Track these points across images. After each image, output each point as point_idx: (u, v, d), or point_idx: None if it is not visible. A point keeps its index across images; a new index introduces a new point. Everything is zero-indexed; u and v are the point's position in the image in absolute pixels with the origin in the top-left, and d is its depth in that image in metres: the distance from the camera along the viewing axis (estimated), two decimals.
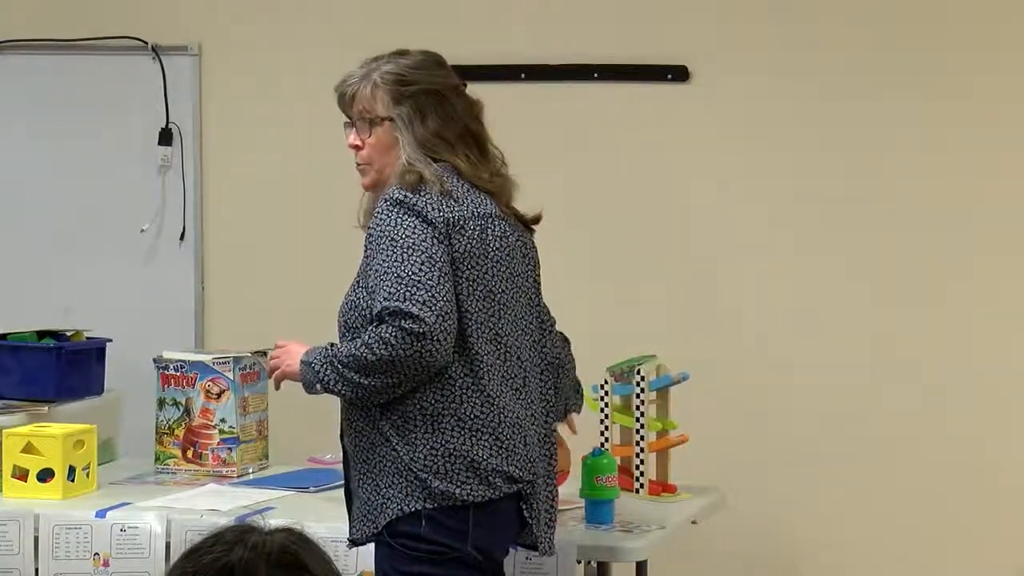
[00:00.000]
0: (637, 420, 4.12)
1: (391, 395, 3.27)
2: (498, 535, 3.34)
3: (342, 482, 4.25)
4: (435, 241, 3.25)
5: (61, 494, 4.11)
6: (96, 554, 3.92)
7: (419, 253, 3.23)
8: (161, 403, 4.49)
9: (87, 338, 4.70)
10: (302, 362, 3.38)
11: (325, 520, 3.74)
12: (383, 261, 3.25)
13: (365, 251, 3.34)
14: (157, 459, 4.49)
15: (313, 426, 4.88)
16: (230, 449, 4.44)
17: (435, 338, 3.19)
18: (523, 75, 4.90)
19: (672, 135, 4.85)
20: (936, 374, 4.71)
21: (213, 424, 4.43)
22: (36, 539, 3.95)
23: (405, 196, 3.28)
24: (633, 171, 4.88)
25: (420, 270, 3.22)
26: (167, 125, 5.12)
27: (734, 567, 4.80)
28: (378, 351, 3.21)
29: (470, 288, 3.29)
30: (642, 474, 4.12)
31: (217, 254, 5.16)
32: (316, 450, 4.46)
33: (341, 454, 3.50)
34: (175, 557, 3.63)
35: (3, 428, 4.22)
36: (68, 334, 4.65)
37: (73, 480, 4.15)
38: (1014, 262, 4.67)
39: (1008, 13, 4.65)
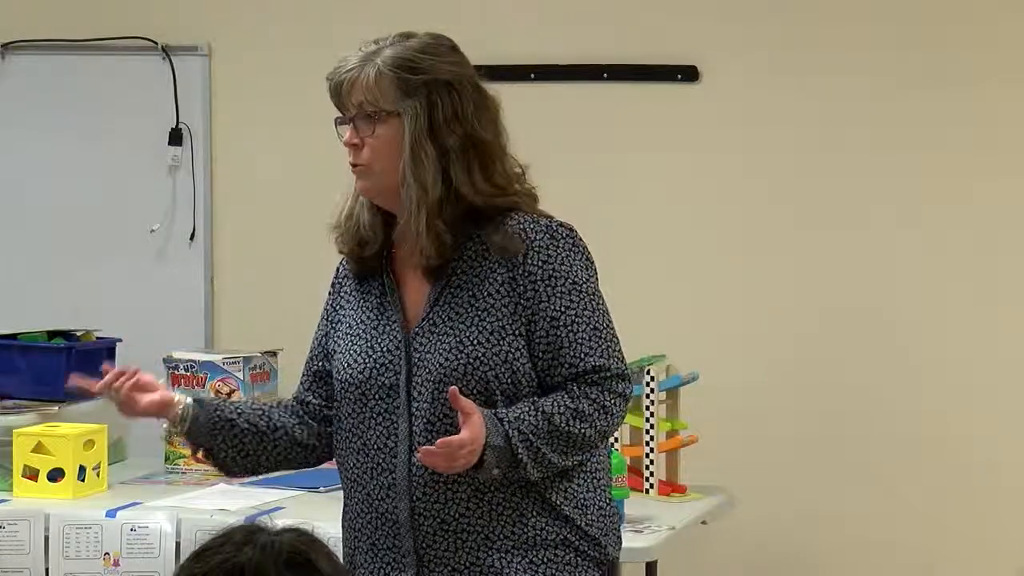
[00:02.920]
0: (647, 420, 4.12)
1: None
2: None
3: None
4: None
5: (71, 494, 4.12)
6: (106, 554, 3.92)
7: (600, 299, 2.94)
8: None
9: (97, 338, 4.71)
10: (488, 445, 2.77)
11: (334, 520, 3.74)
12: (569, 309, 2.88)
13: (527, 292, 2.87)
14: (167, 459, 4.50)
15: None
16: None
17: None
18: (532, 75, 4.90)
19: (682, 135, 4.85)
20: (939, 374, 4.70)
21: None
22: (47, 538, 3.96)
23: (571, 227, 2.96)
24: (642, 171, 4.88)
25: (609, 321, 2.92)
26: (177, 125, 5.13)
27: (744, 567, 4.80)
28: (600, 422, 2.85)
29: None
30: (652, 474, 4.13)
31: (227, 254, 5.17)
32: None
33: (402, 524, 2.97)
34: (185, 557, 3.63)
35: (14, 428, 4.23)
36: (78, 334, 4.66)
37: (83, 480, 4.16)
38: (1015, 262, 4.67)
39: None
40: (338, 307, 3.09)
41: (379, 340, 2.95)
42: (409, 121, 2.90)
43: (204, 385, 4.45)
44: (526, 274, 2.86)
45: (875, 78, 4.71)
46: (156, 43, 5.12)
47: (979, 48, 4.66)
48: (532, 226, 2.90)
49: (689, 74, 4.84)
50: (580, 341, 2.85)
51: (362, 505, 3.02)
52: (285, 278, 5.10)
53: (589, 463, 2.93)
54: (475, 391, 2.83)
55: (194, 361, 4.49)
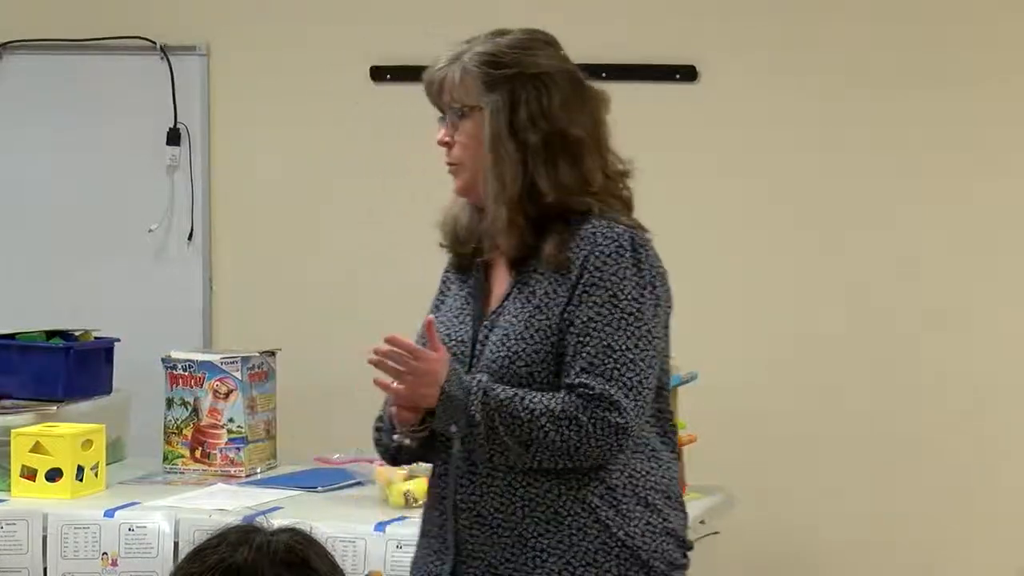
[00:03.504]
0: None
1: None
2: None
3: (350, 481, 4.28)
4: (657, 308, 2.87)
5: (70, 494, 4.11)
6: (104, 553, 3.92)
7: (640, 324, 2.84)
8: (169, 403, 4.49)
9: (95, 338, 4.70)
10: (444, 392, 2.82)
11: (332, 520, 3.75)
12: (593, 320, 2.83)
13: (573, 293, 2.85)
14: (165, 459, 4.50)
15: (321, 426, 4.90)
16: (238, 449, 4.44)
17: (632, 432, 2.83)
18: None
19: (680, 135, 4.84)
20: (940, 374, 4.70)
21: (221, 424, 4.43)
22: (45, 538, 3.96)
23: (644, 242, 2.90)
24: (641, 170, 4.86)
25: (637, 348, 2.83)
26: (175, 125, 5.12)
27: (743, 567, 4.79)
28: (568, 433, 2.79)
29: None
30: None
31: (225, 254, 5.16)
32: (324, 450, 4.45)
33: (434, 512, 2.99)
34: (183, 557, 3.63)
35: (12, 428, 4.23)
36: (76, 334, 4.66)
37: (82, 480, 4.15)
38: (1015, 262, 4.67)
39: None
40: (443, 297, 3.09)
41: (456, 329, 2.97)
42: (490, 115, 2.90)
43: (202, 385, 4.45)
44: (579, 277, 2.84)
45: (875, 78, 4.71)
46: (154, 43, 5.11)
47: (979, 48, 4.66)
48: (604, 231, 2.87)
49: (688, 74, 4.83)
50: (585, 354, 2.80)
51: (429, 490, 3.04)
52: (283, 278, 5.09)
53: (634, 472, 2.85)
54: (517, 386, 2.83)
55: (192, 361, 4.48)
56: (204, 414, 4.45)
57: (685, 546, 2.94)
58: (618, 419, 2.78)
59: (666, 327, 2.93)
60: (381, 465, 4.13)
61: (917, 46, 4.69)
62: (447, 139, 2.98)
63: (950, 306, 4.70)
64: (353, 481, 4.28)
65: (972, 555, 4.67)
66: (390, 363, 2.83)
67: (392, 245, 4.99)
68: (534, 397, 2.81)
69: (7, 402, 4.50)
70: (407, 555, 3.70)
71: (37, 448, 4.16)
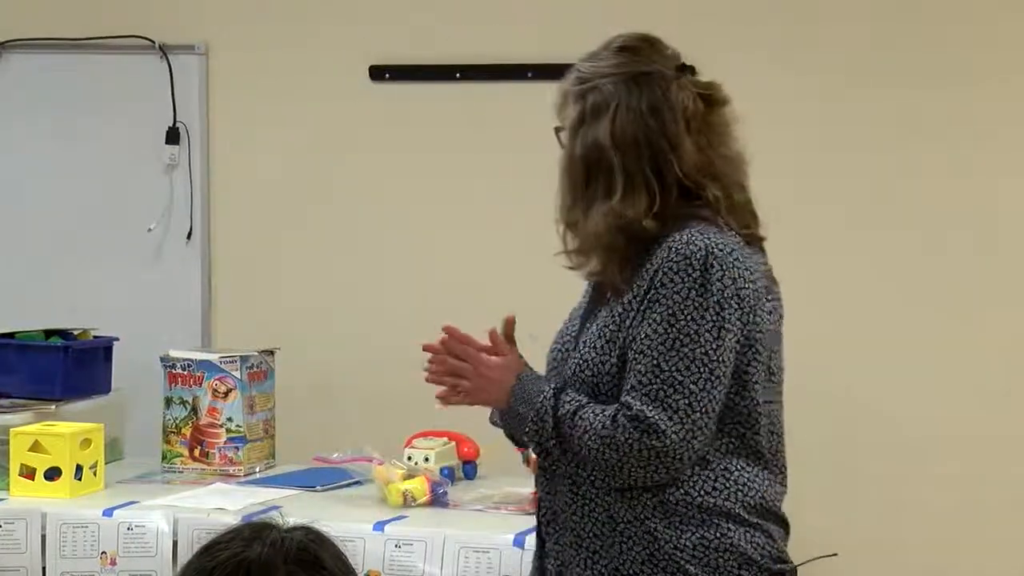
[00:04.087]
0: None
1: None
2: None
3: (348, 481, 4.28)
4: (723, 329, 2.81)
5: (68, 493, 4.11)
6: (103, 553, 3.92)
7: (694, 347, 2.78)
8: (168, 402, 4.49)
9: (94, 337, 4.71)
10: (511, 407, 2.88)
11: (331, 519, 3.74)
12: (648, 337, 2.80)
13: (640, 306, 2.82)
14: (164, 458, 4.50)
15: (320, 425, 4.91)
16: (237, 448, 4.44)
17: (678, 456, 2.78)
18: (530, 74, 4.90)
19: None
20: (940, 374, 4.70)
21: (220, 423, 4.44)
22: (43, 537, 3.96)
23: (718, 262, 2.82)
24: None
25: (689, 370, 2.78)
26: (174, 124, 5.12)
27: None
28: (606, 454, 2.79)
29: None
30: None
31: (224, 253, 5.16)
32: (322, 449, 4.45)
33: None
34: (182, 556, 3.63)
35: (10, 427, 4.23)
36: (75, 333, 4.66)
37: (80, 479, 4.15)
38: (1015, 262, 4.67)
39: None
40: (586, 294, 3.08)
41: (569, 325, 2.99)
42: (567, 133, 2.93)
43: (201, 384, 4.45)
44: (646, 292, 2.80)
45: (875, 78, 4.71)
46: (153, 42, 5.11)
47: (979, 48, 4.66)
48: (678, 246, 2.81)
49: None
50: (636, 372, 2.78)
51: None
52: (282, 277, 5.09)
53: (692, 488, 2.82)
54: (587, 392, 2.84)
55: (191, 360, 4.49)
56: (203, 413, 4.45)
57: (754, 565, 2.87)
58: (655, 443, 2.75)
59: (745, 348, 2.87)
60: (380, 464, 4.14)
61: (917, 46, 4.69)
62: None
63: (951, 306, 4.70)
64: (352, 480, 4.29)
65: (975, 556, 4.66)
66: (450, 360, 2.89)
67: (392, 244, 4.99)
68: (586, 414, 2.81)
69: (6, 401, 4.51)
70: (405, 554, 3.71)
71: (36, 447, 4.16)
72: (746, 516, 2.85)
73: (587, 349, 2.86)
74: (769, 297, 2.91)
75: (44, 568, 3.94)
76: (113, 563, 3.91)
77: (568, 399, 2.83)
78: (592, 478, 2.83)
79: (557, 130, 2.96)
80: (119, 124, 5.16)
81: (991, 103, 4.66)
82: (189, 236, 5.13)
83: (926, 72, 4.68)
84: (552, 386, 2.86)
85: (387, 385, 4.93)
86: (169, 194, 5.14)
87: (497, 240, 4.86)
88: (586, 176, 2.88)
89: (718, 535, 2.81)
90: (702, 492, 2.82)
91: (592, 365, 2.84)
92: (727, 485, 2.84)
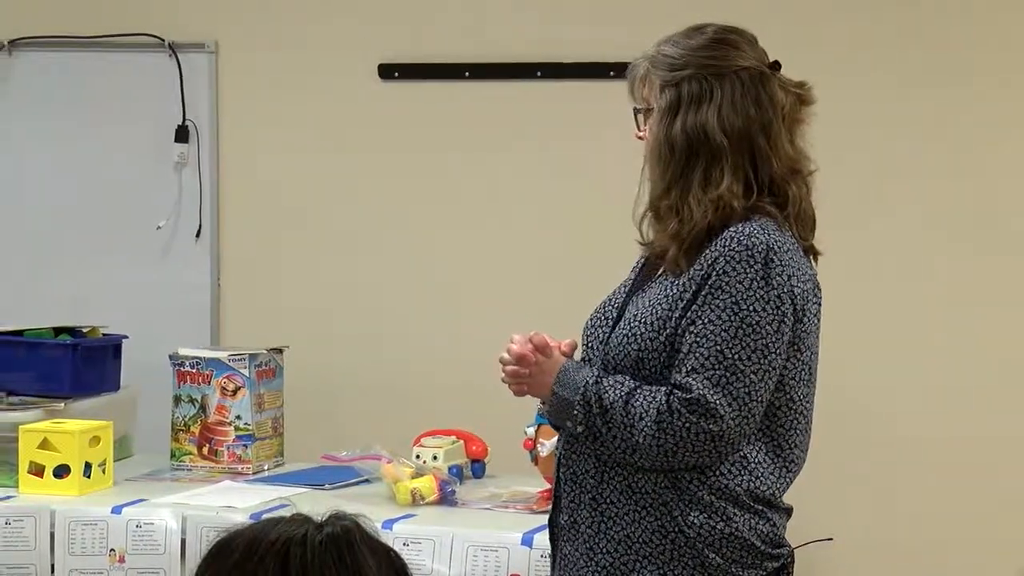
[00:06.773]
0: None
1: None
2: None
3: (357, 479, 4.29)
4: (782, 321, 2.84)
5: (77, 490, 4.11)
6: (112, 550, 3.93)
7: (757, 338, 2.82)
8: (177, 400, 4.50)
9: (103, 335, 4.71)
10: (555, 393, 2.92)
11: None
12: (711, 323, 2.82)
13: (699, 291, 2.84)
14: (173, 456, 4.50)
15: (328, 423, 4.91)
16: (245, 446, 4.44)
17: (730, 441, 2.83)
18: (539, 73, 4.90)
19: None
20: (941, 374, 4.70)
21: (229, 421, 4.44)
22: (52, 535, 3.96)
23: (777, 256, 2.85)
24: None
25: (750, 360, 2.82)
26: (183, 122, 5.13)
27: None
28: (662, 438, 2.82)
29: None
30: None
31: (233, 251, 5.16)
32: (331, 447, 4.46)
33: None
34: (190, 554, 3.62)
35: (20, 424, 4.23)
36: (84, 331, 4.66)
37: (89, 476, 4.15)
38: (1015, 262, 4.67)
39: None
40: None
41: (610, 300, 3.02)
42: (657, 117, 2.94)
43: (210, 382, 4.45)
44: (705, 278, 2.83)
45: (875, 78, 4.71)
46: (163, 40, 5.12)
47: (979, 48, 4.66)
48: (740, 237, 2.84)
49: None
50: (698, 355, 2.81)
51: None
52: (291, 275, 5.10)
53: (705, 470, 2.85)
54: (628, 365, 2.87)
55: (200, 358, 4.49)
56: (212, 411, 4.45)
57: (755, 550, 2.89)
58: (712, 427, 2.79)
59: (797, 344, 2.88)
60: (388, 463, 4.14)
61: (917, 45, 4.69)
62: (639, 135, 3.00)
63: (951, 306, 4.70)
64: (360, 478, 4.29)
65: (972, 555, 4.66)
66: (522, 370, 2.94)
67: (401, 243, 4.99)
68: (636, 400, 2.83)
69: (15, 399, 4.51)
70: (414, 553, 3.71)
71: (45, 444, 4.16)
72: (751, 504, 2.89)
73: (637, 323, 2.88)
74: (814, 300, 2.93)
75: (53, 565, 3.95)
76: (122, 560, 3.91)
77: (612, 383, 2.86)
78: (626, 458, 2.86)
79: (636, 111, 2.98)
80: (128, 122, 5.16)
81: (991, 103, 4.65)
82: (198, 234, 5.13)
83: (926, 72, 4.68)
84: (595, 372, 2.89)
85: (396, 383, 4.93)
86: (178, 192, 5.14)
87: (516, 239, 4.83)
88: (686, 162, 2.91)
89: (723, 519, 2.86)
90: (717, 473, 2.85)
91: (639, 340, 2.87)
92: (741, 472, 2.87)
